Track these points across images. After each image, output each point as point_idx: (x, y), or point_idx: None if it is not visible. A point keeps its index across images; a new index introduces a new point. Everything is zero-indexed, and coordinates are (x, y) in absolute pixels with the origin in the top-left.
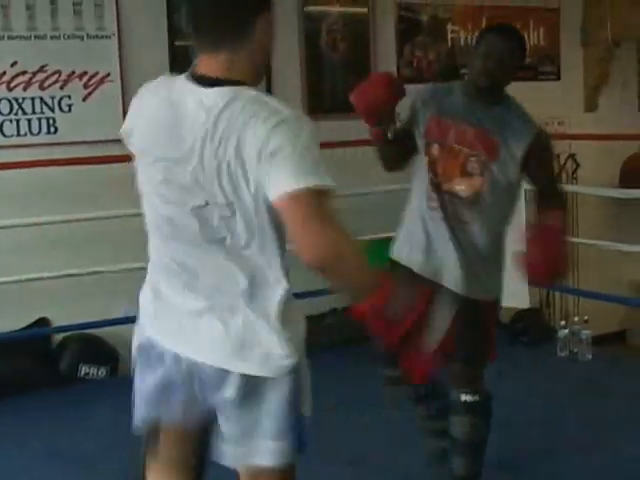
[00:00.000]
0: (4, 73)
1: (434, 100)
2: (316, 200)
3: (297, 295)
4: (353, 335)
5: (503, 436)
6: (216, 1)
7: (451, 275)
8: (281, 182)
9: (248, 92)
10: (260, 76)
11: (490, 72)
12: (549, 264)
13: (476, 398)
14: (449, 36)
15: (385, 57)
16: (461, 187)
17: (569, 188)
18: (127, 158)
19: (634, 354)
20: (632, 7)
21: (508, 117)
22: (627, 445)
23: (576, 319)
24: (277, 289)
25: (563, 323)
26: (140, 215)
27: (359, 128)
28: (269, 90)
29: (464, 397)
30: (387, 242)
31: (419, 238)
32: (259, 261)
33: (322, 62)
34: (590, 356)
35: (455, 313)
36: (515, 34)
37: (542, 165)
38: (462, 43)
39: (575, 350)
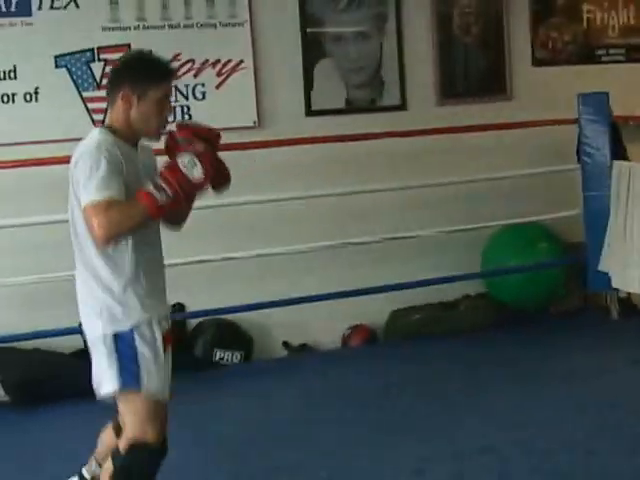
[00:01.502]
0: None
1: None
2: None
3: (427, 282)
4: (484, 322)
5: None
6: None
7: None
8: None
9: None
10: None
11: None
12: None
13: None
14: (585, 16)
15: (519, 39)
16: None
17: None
18: (261, 145)
19: None
20: None
21: None
22: None
23: None
24: None
25: None
26: (272, 201)
27: (492, 111)
28: (402, 76)
29: None
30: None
31: None
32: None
33: (455, 46)
34: None
35: None
36: None
37: None
38: (598, 23)
39: None
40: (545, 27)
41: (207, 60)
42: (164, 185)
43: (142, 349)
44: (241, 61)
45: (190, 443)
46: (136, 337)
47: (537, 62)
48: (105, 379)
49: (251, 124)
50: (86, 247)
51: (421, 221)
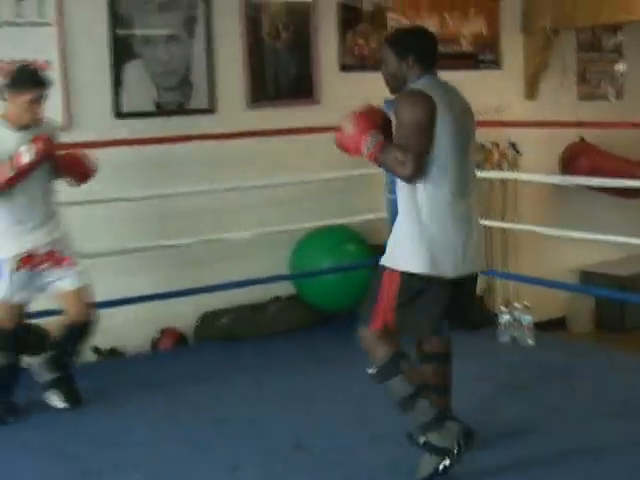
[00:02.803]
0: None
1: None
2: None
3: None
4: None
5: None
6: None
7: None
8: None
9: None
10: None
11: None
12: None
13: None
14: (389, 24)
15: (327, 45)
16: None
17: (510, 175)
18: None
19: (574, 339)
20: None
21: None
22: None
23: (517, 305)
24: None
25: (504, 309)
26: (79, 204)
27: (300, 115)
28: (211, 79)
29: None
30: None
31: None
32: None
33: (265, 51)
34: (532, 341)
35: None
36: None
37: None
38: None
39: (516, 335)
40: (352, 34)
41: (13, 60)
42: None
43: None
44: (47, 62)
45: None
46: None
47: (345, 68)
48: None
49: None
50: None
51: (233, 223)
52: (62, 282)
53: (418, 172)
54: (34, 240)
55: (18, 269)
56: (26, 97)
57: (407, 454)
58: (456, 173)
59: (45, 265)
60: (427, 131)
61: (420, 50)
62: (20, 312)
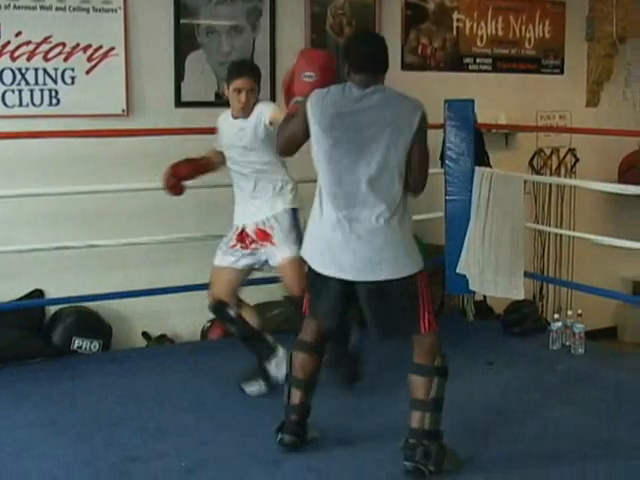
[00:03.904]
0: (8, 43)
1: None
2: None
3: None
4: None
5: (496, 422)
6: None
7: None
8: None
9: None
10: None
11: None
12: None
13: None
14: (455, 25)
15: (390, 43)
16: None
17: (568, 182)
18: (128, 132)
19: (625, 349)
20: (638, 4)
21: None
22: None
23: (569, 313)
24: None
25: (557, 316)
26: (139, 190)
27: None
28: (273, 72)
29: None
30: None
31: None
32: None
33: (328, 45)
34: (583, 350)
35: None
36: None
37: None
38: (467, 32)
39: (567, 343)
40: (416, 32)
41: (78, 44)
42: None
43: None
44: (112, 48)
45: (46, 429)
46: None
47: (406, 66)
48: None
49: (120, 112)
50: None
51: None
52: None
53: (282, 152)
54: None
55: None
56: (232, 87)
57: None
58: (328, 180)
59: None
60: (294, 129)
61: (351, 58)
62: None
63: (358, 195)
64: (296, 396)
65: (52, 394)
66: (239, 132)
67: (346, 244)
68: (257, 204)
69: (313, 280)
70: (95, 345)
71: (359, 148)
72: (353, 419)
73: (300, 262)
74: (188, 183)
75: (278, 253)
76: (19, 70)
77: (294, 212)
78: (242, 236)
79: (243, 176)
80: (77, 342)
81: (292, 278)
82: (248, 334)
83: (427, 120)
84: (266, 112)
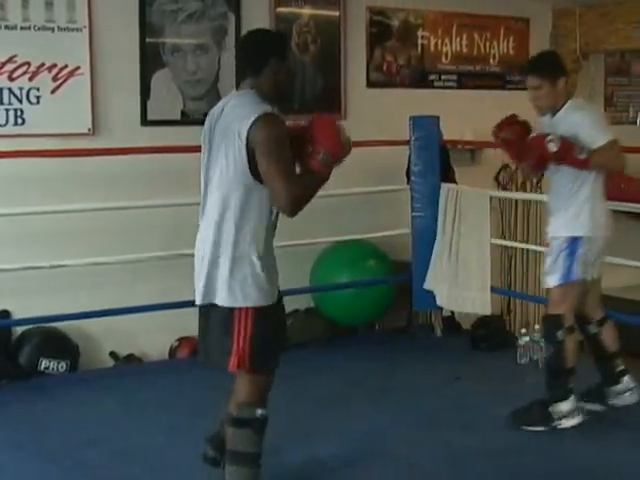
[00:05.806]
0: None
1: None
2: None
3: None
4: (311, 336)
5: (463, 437)
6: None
7: None
8: None
9: None
10: None
11: None
12: None
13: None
14: (419, 42)
15: (355, 60)
16: None
17: (534, 197)
18: (94, 152)
19: (592, 362)
20: (600, 20)
21: None
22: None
23: (537, 327)
24: None
25: (524, 331)
26: (104, 210)
27: None
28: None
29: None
30: None
31: None
32: None
33: (293, 63)
34: None
35: None
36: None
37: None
38: (432, 49)
39: (535, 358)
40: (381, 50)
41: (43, 64)
42: None
43: None
44: (78, 67)
45: (14, 452)
46: None
47: (372, 84)
48: None
49: (86, 131)
50: None
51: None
52: None
53: None
54: None
55: None
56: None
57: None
58: (202, 192)
59: None
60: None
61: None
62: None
63: (214, 215)
64: None
65: (19, 416)
66: None
67: (200, 268)
68: None
69: None
70: (62, 366)
71: (210, 158)
72: None
73: None
74: (154, 202)
75: None
76: None
77: None
78: None
79: None
80: (44, 363)
81: None
82: None
83: (271, 128)
84: None
